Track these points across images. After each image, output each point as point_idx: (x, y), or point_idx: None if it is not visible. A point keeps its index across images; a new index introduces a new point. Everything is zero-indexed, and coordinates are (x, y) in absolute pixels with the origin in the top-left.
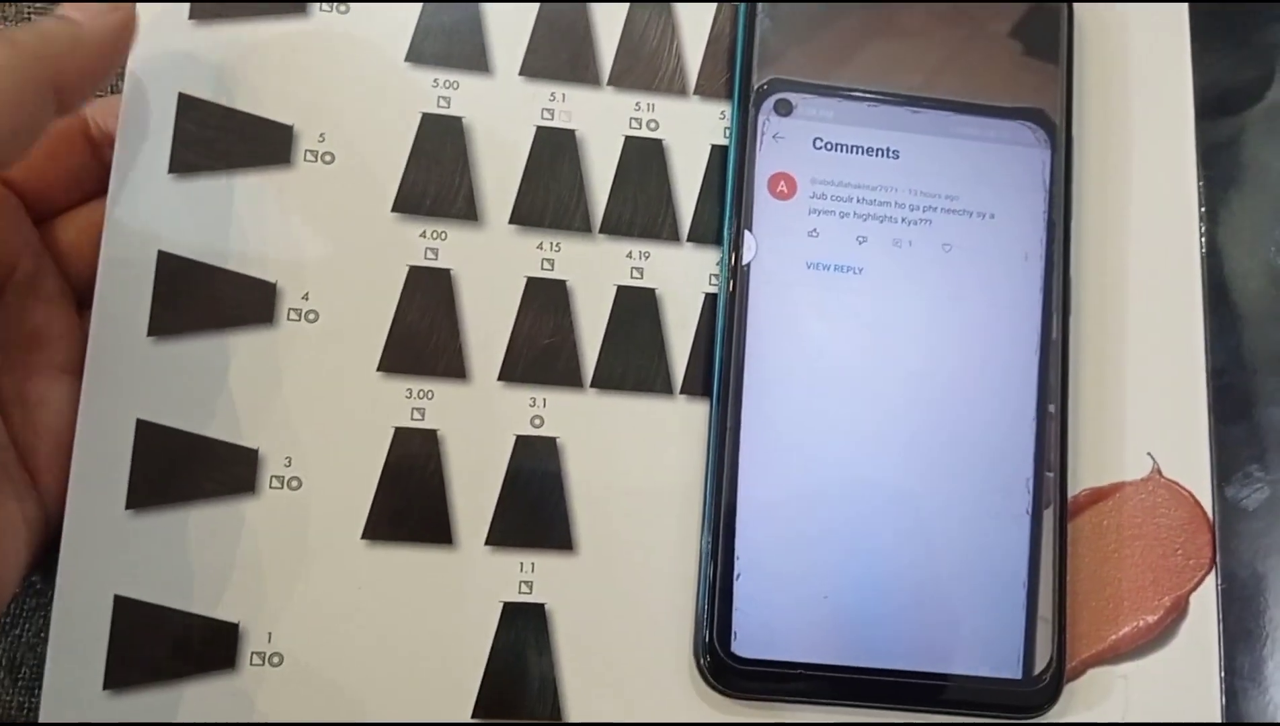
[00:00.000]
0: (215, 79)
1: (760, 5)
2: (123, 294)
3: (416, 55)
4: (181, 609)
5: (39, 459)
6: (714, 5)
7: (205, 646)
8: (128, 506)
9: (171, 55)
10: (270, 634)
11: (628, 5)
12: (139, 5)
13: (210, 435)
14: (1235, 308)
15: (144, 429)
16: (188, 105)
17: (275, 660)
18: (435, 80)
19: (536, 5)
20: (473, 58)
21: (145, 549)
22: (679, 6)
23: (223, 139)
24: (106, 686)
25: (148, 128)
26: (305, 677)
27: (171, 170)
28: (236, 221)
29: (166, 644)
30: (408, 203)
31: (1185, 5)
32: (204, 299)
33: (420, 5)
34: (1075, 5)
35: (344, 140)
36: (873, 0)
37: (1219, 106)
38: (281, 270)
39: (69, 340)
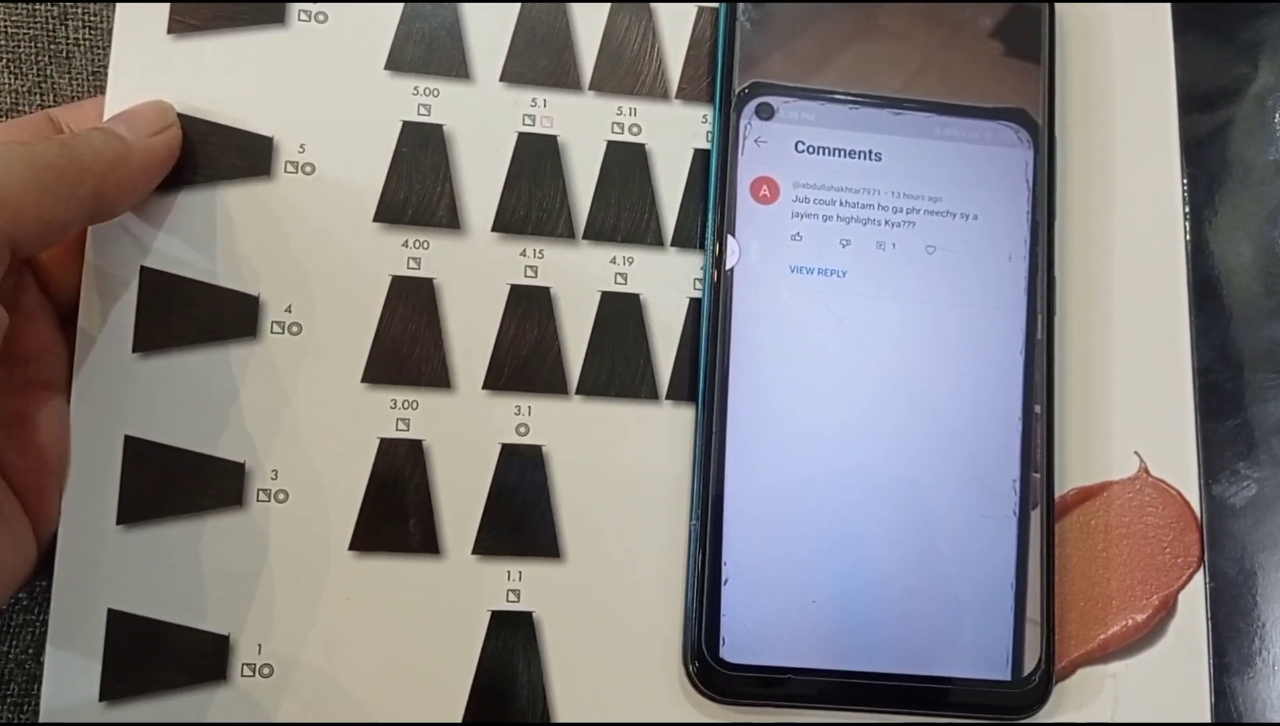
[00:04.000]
0: (194, 92)
1: (740, 9)
2: (107, 310)
3: (396, 63)
4: (173, 621)
5: (25, 478)
6: (694, 9)
7: (197, 658)
8: (118, 521)
9: (149, 70)
10: (260, 645)
11: (607, 10)
12: (119, 9)
13: (197, 449)
14: (1220, 305)
15: (132, 444)
16: None
17: (266, 671)
18: (415, 88)
19: (516, 11)
20: (453, 65)
21: (137, 563)
22: (659, 10)
23: (203, 152)
24: (103, 698)
25: None
26: (295, 688)
27: None
28: (218, 235)
29: (160, 656)
30: (389, 212)
31: (1168, 2)
32: (188, 313)
33: (399, 13)
34: (1056, 4)
35: (324, 150)
36: (853, 0)
37: (1202, 103)
38: (264, 283)
39: (52, 356)
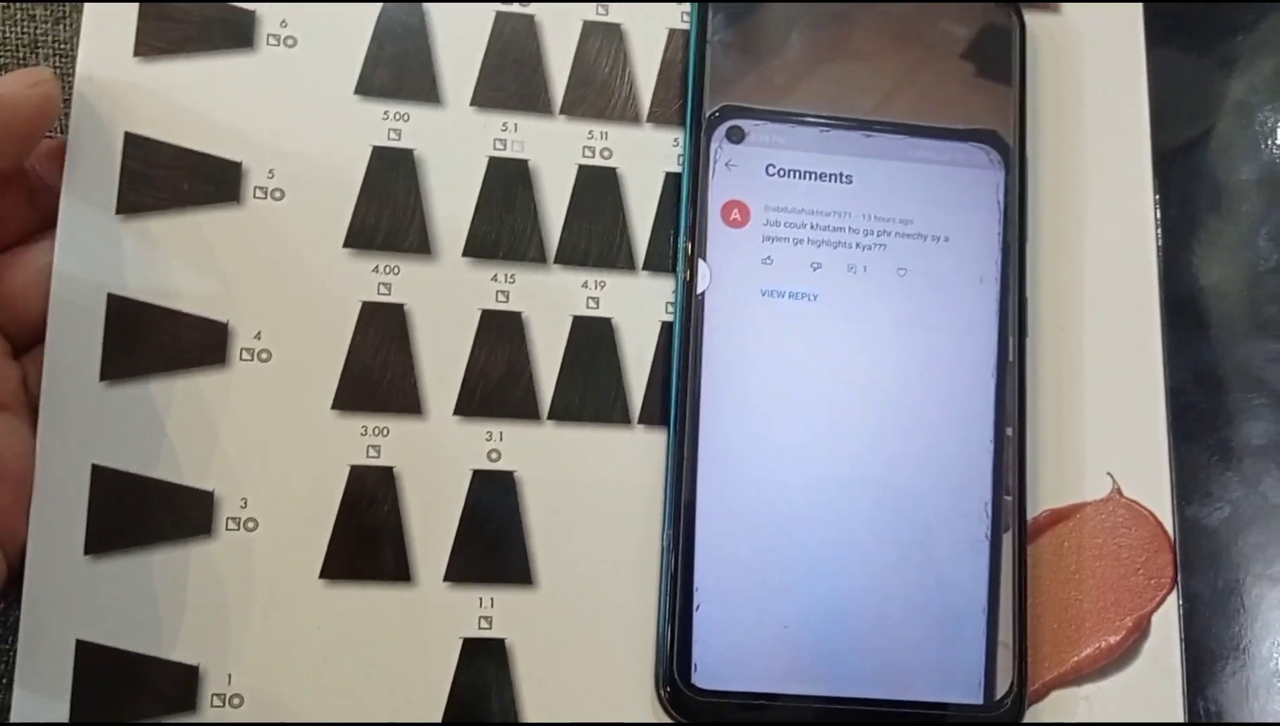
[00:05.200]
0: (162, 116)
1: (711, 31)
2: (73, 338)
3: (366, 87)
4: (142, 652)
5: None
6: (665, 32)
7: (167, 688)
8: (86, 551)
9: (117, 93)
10: (230, 675)
11: (578, 33)
12: (84, 30)
13: (166, 478)
14: (1193, 324)
15: (99, 474)
16: (134, 144)
17: (236, 701)
18: (385, 112)
19: (486, 35)
20: (423, 89)
21: (105, 593)
22: (630, 33)
23: (170, 177)
24: None
25: (94, 168)
26: (266, 718)
27: (119, 211)
28: (186, 261)
29: (129, 687)
30: (359, 237)
31: (1140, 21)
32: (155, 341)
33: (369, 37)
34: (1028, 24)
35: (293, 176)
36: (823, 4)
37: (1175, 121)
38: (233, 310)
39: (3, 379)
